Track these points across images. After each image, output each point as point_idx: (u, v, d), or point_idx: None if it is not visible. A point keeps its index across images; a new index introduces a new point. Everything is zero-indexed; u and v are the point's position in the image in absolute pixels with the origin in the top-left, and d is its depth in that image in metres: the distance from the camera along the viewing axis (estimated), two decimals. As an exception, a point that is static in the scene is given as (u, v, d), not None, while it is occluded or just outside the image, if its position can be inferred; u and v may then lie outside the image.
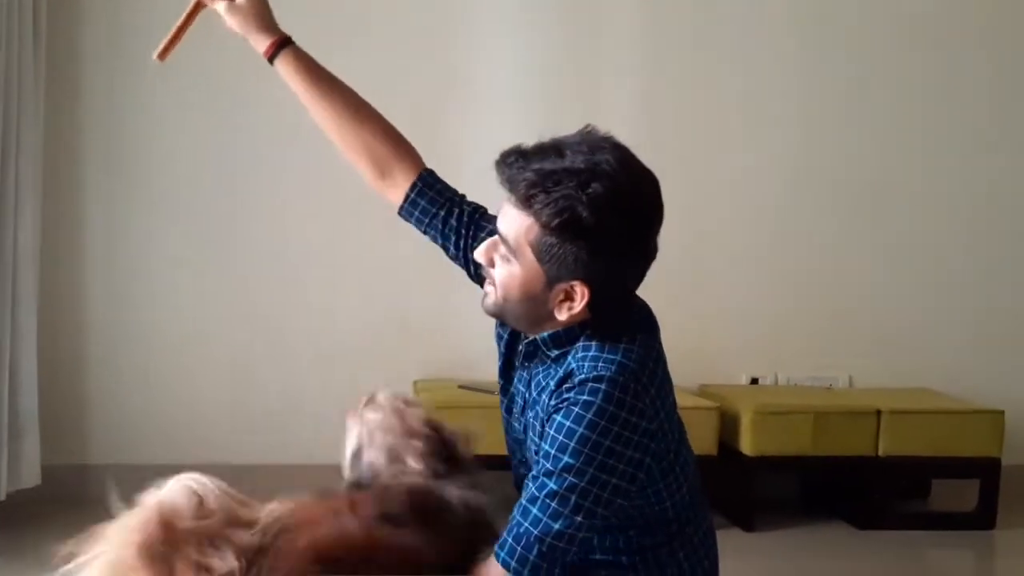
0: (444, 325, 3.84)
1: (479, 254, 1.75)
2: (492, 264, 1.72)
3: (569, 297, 1.66)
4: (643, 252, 1.68)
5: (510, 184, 1.64)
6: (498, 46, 3.92)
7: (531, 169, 1.61)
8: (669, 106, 4.01)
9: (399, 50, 3.86)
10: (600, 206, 1.58)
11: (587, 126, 1.69)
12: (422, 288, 3.84)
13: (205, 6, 1.94)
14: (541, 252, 1.63)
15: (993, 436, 3.72)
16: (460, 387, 3.64)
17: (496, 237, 1.70)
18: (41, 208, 3.54)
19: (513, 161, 1.64)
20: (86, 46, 3.71)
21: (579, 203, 1.58)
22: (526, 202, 1.62)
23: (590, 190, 1.58)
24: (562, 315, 1.68)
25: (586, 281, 1.64)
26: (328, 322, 3.89)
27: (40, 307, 3.52)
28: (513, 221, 1.65)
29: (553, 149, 1.63)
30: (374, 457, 1.74)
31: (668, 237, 4.27)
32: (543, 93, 3.92)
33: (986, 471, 3.72)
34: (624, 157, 1.64)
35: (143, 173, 3.79)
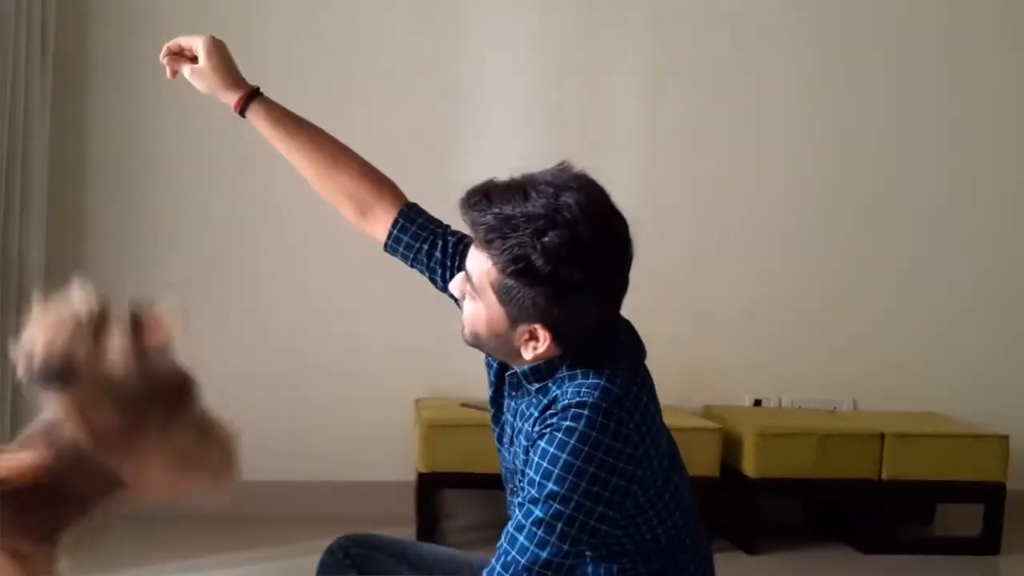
0: (446, 343, 3.82)
1: (453, 287, 1.75)
2: (465, 297, 1.72)
3: (533, 338, 1.65)
4: (605, 296, 1.66)
5: (472, 226, 1.64)
6: (506, 57, 3.93)
7: (491, 212, 1.60)
8: (677, 122, 4.01)
9: (405, 62, 3.88)
10: (554, 256, 1.56)
11: (562, 162, 1.67)
12: (423, 307, 3.83)
13: (176, 75, 1.94)
14: (501, 294, 1.63)
15: (998, 461, 3.69)
16: (462, 405, 3.63)
17: (465, 273, 1.70)
18: (47, 219, 3.54)
19: (476, 202, 1.63)
20: (93, 54, 3.73)
21: (533, 251, 1.57)
22: (485, 245, 1.62)
23: (546, 239, 1.56)
24: (528, 354, 1.67)
25: (547, 325, 1.63)
26: (331, 342, 3.88)
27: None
28: (476, 261, 1.65)
29: (519, 189, 1.61)
30: None
31: (672, 257, 4.27)
32: (552, 108, 3.91)
33: (991, 496, 3.70)
34: (590, 201, 1.61)
35: (151, 188, 3.79)
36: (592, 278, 1.61)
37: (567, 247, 1.57)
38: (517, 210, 1.59)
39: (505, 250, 1.59)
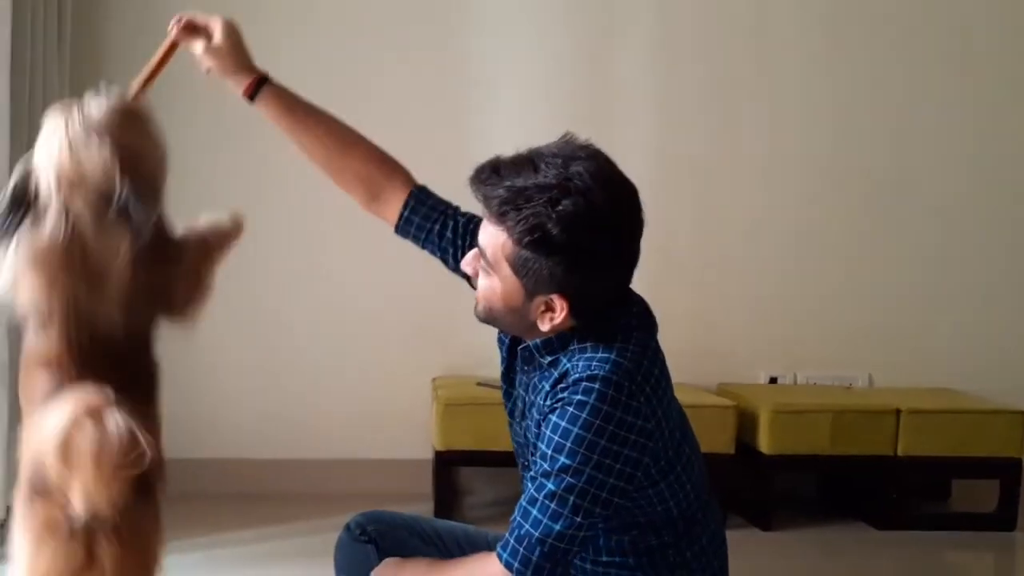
0: (462, 322, 3.80)
1: (465, 265, 1.76)
2: (477, 274, 1.73)
3: (550, 308, 1.66)
4: (621, 262, 1.67)
5: (485, 200, 1.65)
6: (516, 45, 3.93)
7: (503, 186, 1.62)
8: (688, 102, 4.00)
9: (415, 51, 3.88)
10: (570, 223, 1.58)
11: (566, 134, 1.68)
12: (439, 286, 3.83)
13: (178, 46, 1.91)
14: (517, 267, 1.64)
15: (1014, 436, 3.69)
16: (478, 384, 3.65)
17: (477, 249, 1.71)
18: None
19: (487, 177, 1.64)
20: (110, 50, 3.73)
21: (549, 220, 1.58)
22: (499, 218, 1.63)
23: (560, 207, 1.58)
24: (544, 326, 1.68)
25: (564, 294, 1.64)
26: (349, 322, 3.91)
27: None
28: (490, 236, 1.66)
29: (528, 162, 1.62)
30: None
31: (687, 236, 4.26)
32: (563, 90, 3.92)
33: (1007, 471, 3.70)
34: (600, 168, 1.62)
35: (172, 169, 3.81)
36: (607, 244, 1.63)
37: (582, 214, 1.58)
38: (529, 182, 1.60)
39: (520, 221, 1.60)
